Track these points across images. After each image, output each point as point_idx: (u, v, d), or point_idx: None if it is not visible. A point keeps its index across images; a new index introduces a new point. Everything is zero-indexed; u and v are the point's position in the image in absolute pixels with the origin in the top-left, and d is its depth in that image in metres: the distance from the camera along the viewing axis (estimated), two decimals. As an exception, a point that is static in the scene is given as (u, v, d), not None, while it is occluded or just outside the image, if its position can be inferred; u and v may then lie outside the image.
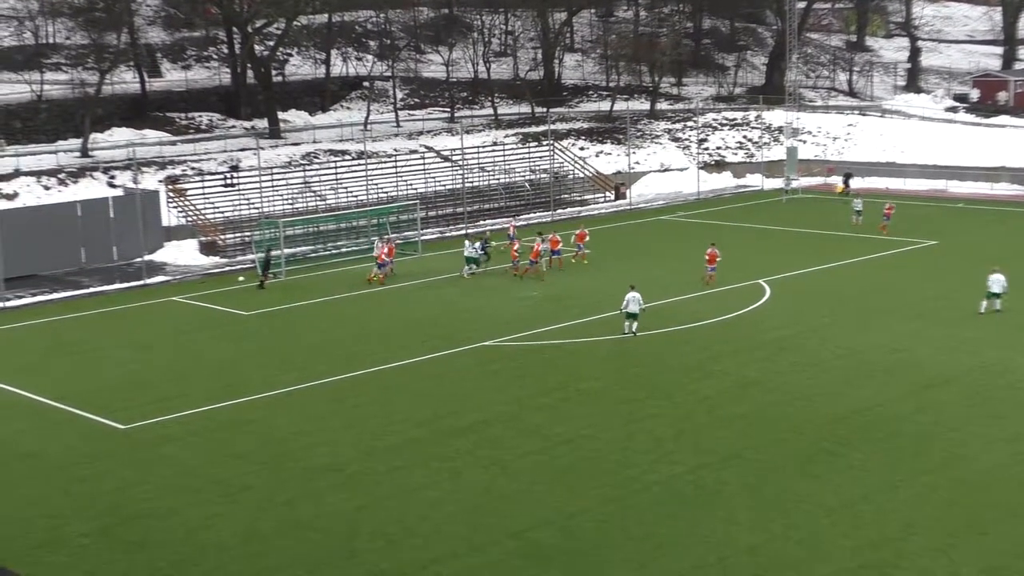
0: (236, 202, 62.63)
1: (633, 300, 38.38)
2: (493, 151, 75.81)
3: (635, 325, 38.54)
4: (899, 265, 50.66)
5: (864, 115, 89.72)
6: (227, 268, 55.31)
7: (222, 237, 59.11)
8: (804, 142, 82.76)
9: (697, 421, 30.33)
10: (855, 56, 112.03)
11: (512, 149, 77.13)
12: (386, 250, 49.90)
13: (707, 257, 46.63)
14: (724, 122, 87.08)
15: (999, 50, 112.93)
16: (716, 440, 28.75)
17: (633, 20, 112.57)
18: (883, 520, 23.77)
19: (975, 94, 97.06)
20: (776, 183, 73.27)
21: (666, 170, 78.73)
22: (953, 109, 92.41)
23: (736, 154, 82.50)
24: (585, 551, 22.87)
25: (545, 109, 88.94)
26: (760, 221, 63.02)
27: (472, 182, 70.00)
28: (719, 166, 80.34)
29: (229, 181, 65.27)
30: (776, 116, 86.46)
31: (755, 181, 77.51)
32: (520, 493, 25.83)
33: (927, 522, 23.68)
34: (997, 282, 39.94)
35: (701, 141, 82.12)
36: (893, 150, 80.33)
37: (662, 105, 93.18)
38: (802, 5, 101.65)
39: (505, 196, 70.81)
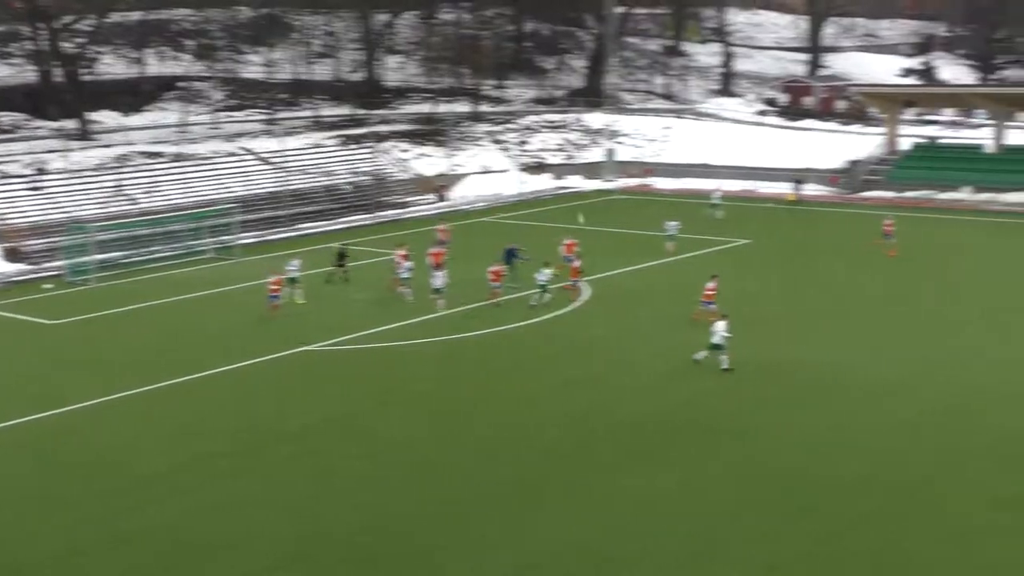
0: (44, 206, 60.17)
1: (718, 331, 34.10)
2: (314, 153, 74.91)
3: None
4: (713, 263, 52.03)
5: (680, 118, 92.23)
6: (32, 276, 53.04)
7: (26, 243, 56.67)
8: (622, 144, 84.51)
9: (521, 420, 30.57)
10: (672, 61, 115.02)
11: (333, 151, 76.36)
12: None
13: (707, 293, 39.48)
14: (545, 124, 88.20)
15: (806, 57, 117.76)
16: (540, 439, 29.01)
17: (455, 22, 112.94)
18: (708, 511, 24.35)
19: (783, 98, 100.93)
20: (596, 183, 74.13)
21: (487, 172, 79.29)
22: (763, 113, 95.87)
23: (556, 156, 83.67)
24: (417, 554, 22.75)
25: (367, 111, 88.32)
26: (578, 222, 63.87)
27: (292, 185, 69.00)
28: (539, 168, 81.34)
29: (35, 184, 62.68)
30: (595, 118, 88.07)
31: (575, 183, 78.76)
32: (347, 498, 25.53)
33: (749, 511, 24.38)
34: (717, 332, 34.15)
35: (522, 143, 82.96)
36: (707, 152, 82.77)
37: (484, 107, 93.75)
38: (621, 10, 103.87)
39: (326, 199, 70.06)
